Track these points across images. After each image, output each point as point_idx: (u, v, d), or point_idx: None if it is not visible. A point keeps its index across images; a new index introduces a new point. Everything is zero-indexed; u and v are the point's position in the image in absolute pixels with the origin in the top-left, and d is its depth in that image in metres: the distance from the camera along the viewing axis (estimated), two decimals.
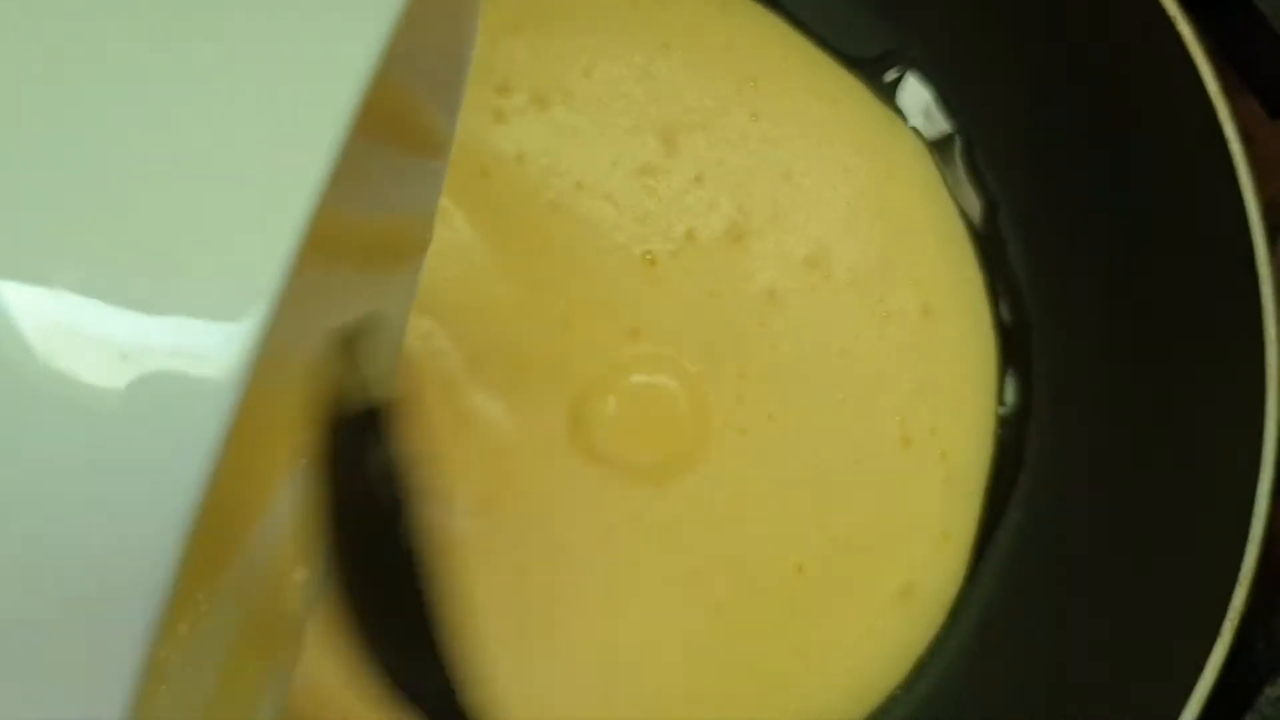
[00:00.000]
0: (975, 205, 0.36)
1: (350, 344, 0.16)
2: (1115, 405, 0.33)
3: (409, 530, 0.17)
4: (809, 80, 0.34)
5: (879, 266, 0.34)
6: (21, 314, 0.12)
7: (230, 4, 0.13)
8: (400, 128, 0.21)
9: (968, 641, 0.34)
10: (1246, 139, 0.30)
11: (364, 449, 0.16)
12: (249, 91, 0.13)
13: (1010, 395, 0.35)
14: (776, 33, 0.35)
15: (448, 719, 0.18)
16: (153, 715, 0.18)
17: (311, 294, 0.21)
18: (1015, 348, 0.35)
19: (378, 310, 0.24)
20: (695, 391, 0.33)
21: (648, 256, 0.33)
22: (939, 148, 0.36)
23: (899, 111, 0.36)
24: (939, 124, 0.36)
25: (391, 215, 0.23)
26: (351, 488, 0.16)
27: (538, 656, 0.31)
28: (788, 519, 0.32)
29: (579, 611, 0.31)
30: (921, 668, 0.34)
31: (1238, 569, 0.28)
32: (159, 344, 0.12)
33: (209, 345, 0.12)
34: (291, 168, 0.12)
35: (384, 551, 0.17)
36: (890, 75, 0.36)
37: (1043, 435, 0.35)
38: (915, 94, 0.36)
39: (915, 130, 0.35)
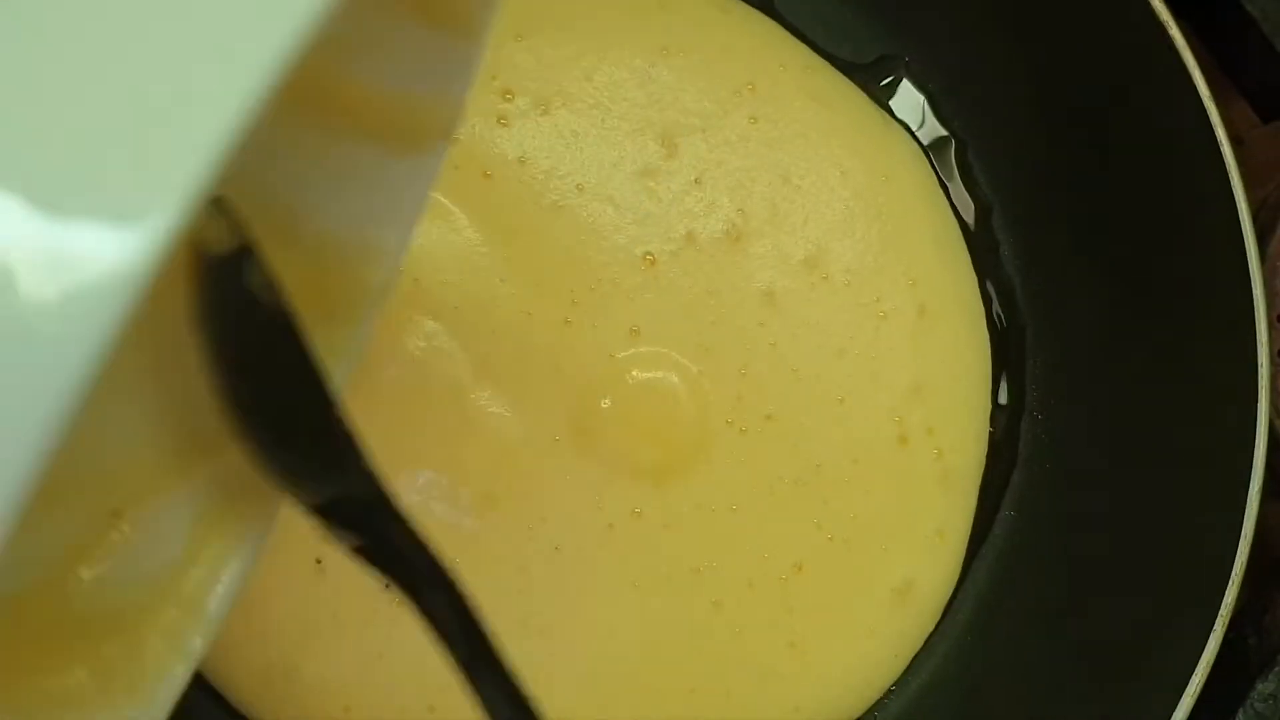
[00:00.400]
0: (970, 207, 0.36)
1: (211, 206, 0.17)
2: (1107, 404, 0.34)
3: (302, 338, 0.17)
4: (806, 84, 0.35)
5: (876, 267, 0.34)
6: None
7: None
8: (425, 4, 0.21)
9: (961, 638, 0.34)
10: (1237, 142, 0.30)
11: (243, 275, 0.16)
12: None
13: (1004, 394, 0.35)
14: (774, 37, 0.35)
15: (363, 518, 0.20)
16: (108, 556, 0.18)
17: (331, 169, 0.21)
18: (1009, 348, 0.35)
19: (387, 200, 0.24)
20: (695, 391, 0.33)
21: (648, 257, 0.33)
22: (934, 151, 0.36)
23: (894, 115, 0.36)
24: (934, 128, 0.36)
25: (416, 93, 0.23)
26: (238, 310, 0.17)
27: (538, 653, 0.31)
28: (786, 517, 0.33)
29: (579, 609, 0.31)
30: (916, 664, 0.34)
31: (1230, 566, 0.28)
32: (52, 245, 0.11)
33: (105, 251, 0.11)
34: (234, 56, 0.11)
35: (282, 359, 0.18)
36: (886, 80, 0.36)
37: (1036, 434, 0.35)
38: (910, 98, 0.36)
39: (911, 134, 0.36)
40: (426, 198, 0.24)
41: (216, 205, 0.16)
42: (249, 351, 0.17)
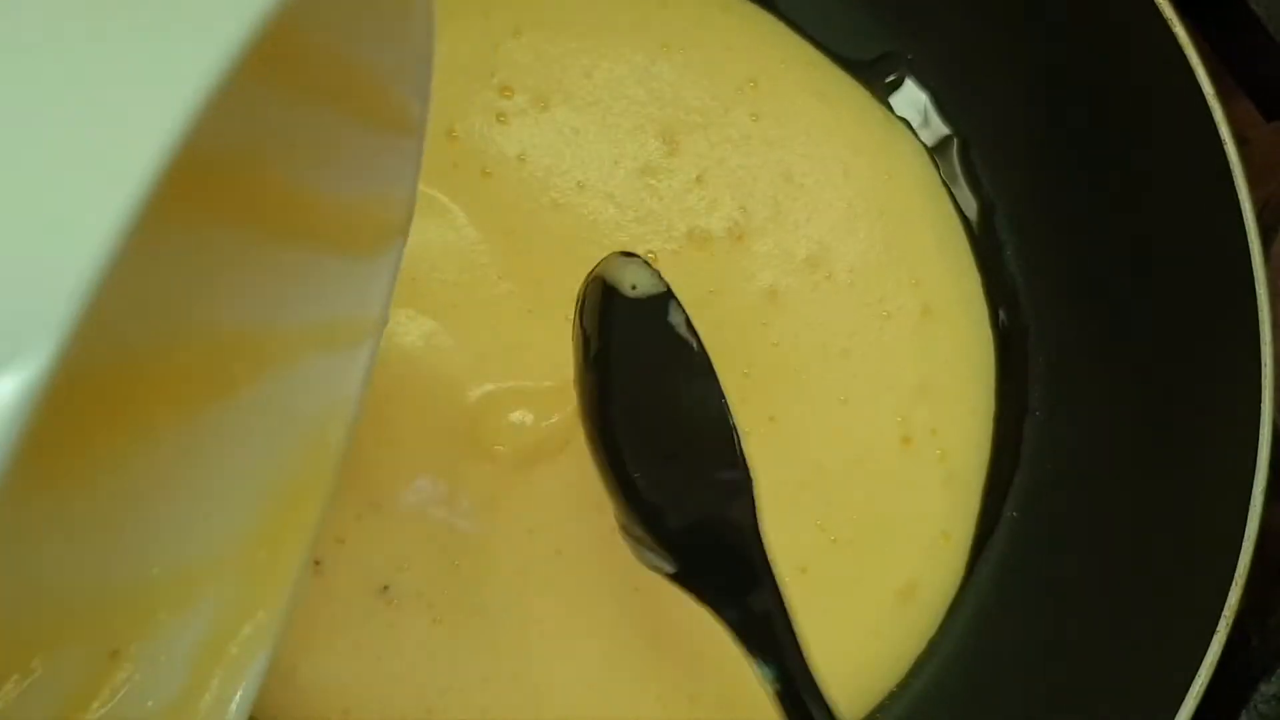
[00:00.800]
0: (972, 206, 0.36)
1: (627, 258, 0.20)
2: (1111, 405, 0.34)
3: (710, 369, 0.20)
4: (809, 81, 0.34)
5: (879, 267, 0.34)
6: None
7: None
8: (364, 103, 0.21)
9: (964, 639, 0.34)
10: (1241, 141, 0.30)
11: (666, 314, 0.20)
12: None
13: (1007, 395, 0.35)
14: (776, 34, 0.35)
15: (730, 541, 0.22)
16: (112, 697, 0.18)
17: (288, 277, 0.21)
18: (1012, 348, 0.35)
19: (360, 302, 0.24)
20: None
21: (649, 255, 0.33)
22: (937, 150, 0.36)
23: (897, 114, 0.36)
24: (936, 126, 0.36)
25: (366, 194, 0.23)
26: (659, 343, 0.20)
27: (539, 657, 0.31)
28: (790, 520, 0.32)
29: (581, 612, 0.31)
30: (918, 666, 0.34)
31: (1233, 568, 0.28)
32: None
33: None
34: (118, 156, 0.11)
35: (694, 387, 0.21)
36: (888, 78, 0.36)
37: (1039, 435, 0.35)
38: (913, 96, 0.36)
39: (913, 132, 0.36)
40: (390, 294, 0.24)
41: (638, 260, 0.20)
42: (661, 378, 0.20)
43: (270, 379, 0.22)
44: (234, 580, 0.21)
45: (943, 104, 0.36)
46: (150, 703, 0.19)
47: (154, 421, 0.19)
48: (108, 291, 0.11)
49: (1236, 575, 0.28)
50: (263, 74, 0.16)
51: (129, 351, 0.18)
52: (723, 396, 0.21)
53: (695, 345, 0.20)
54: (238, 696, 0.20)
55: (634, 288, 0.19)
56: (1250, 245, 0.29)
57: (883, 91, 0.36)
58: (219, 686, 0.20)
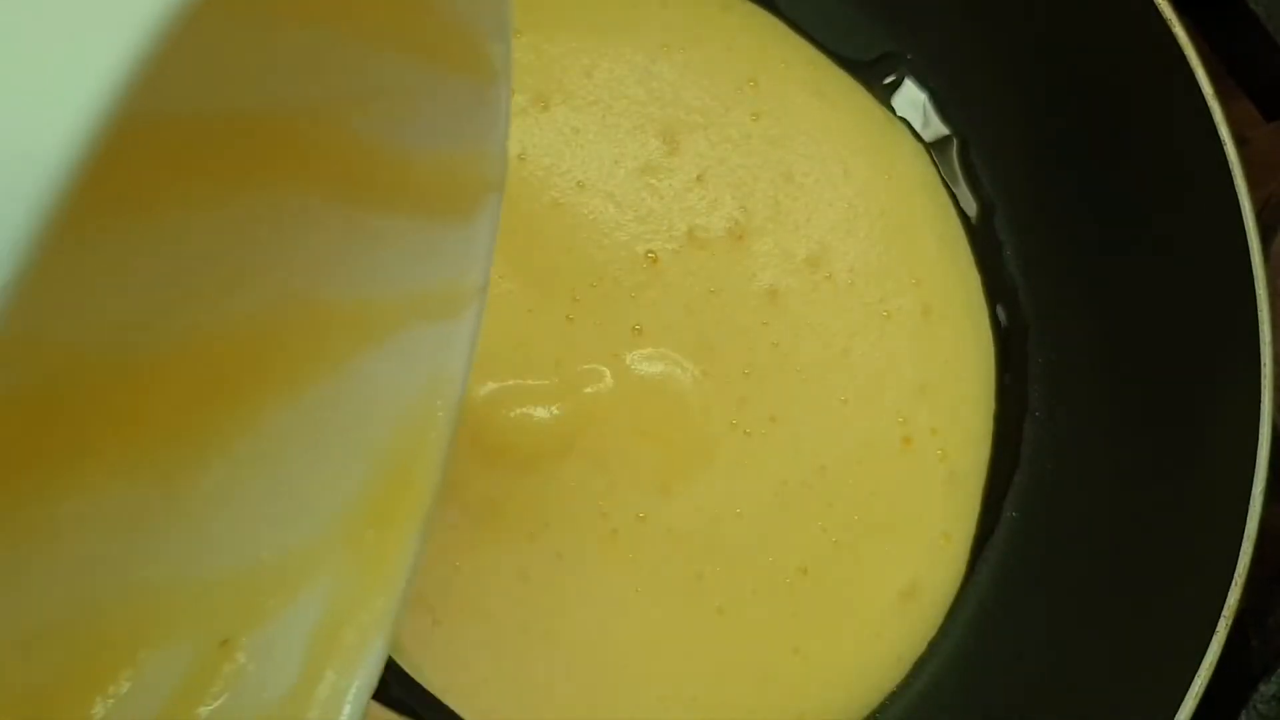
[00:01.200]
0: (972, 206, 0.36)
1: None
2: (1111, 405, 0.34)
3: None
4: (809, 81, 0.34)
5: (880, 266, 0.34)
6: None
7: None
8: (441, 50, 0.20)
9: (964, 640, 0.34)
10: (1241, 141, 0.30)
11: None
12: None
13: (1007, 395, 0.35)
14: (776, 34, 0.35)
15: None
16: (224, 690, 0.18)
17: (383, 245, 0.20)
18: (1012, 348, 0.35)
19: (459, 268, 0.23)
20: (699, 392, 0.32)
21: (650, 255, 0.33)
22: (936, 150, 0.36)
23: (896, 114, 0.36)
24: (936, 126, 0.36)
25: (456, 149, 0.22)
26: None
27: (540, 659, 0.31)
28: (791, 521, 0.32)
29: (582, 614, 0.31)
30: (919, 666, 0.34)
31: (1232, 567, 0.28)
32: None
33: None
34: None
35: None
36: (888, 78, 0.36)
37: (1039, 435, 0.35)
38: (913, 97, 0.36)
39: (913, 132, 0.36)
40: (490, 258, 0.23)
41: None
42: None
43: (372, 353, 0.21)
44: (345, 565, 0.20)
45: (942, 104, 0.36)
46: (265, 693, 0.18)
47: (255, 401, 0.18)
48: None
49: (1236, 575, 0.28)
50: (328, 18, 0.16)
51: (223, 325, 0.17)
52: None
53: None
54: (355, 686, 0.19)
55: None
56: (1250, 245, 0.29)
57: (883, 91, 0.36)
58: (335, 676, 0.19)
